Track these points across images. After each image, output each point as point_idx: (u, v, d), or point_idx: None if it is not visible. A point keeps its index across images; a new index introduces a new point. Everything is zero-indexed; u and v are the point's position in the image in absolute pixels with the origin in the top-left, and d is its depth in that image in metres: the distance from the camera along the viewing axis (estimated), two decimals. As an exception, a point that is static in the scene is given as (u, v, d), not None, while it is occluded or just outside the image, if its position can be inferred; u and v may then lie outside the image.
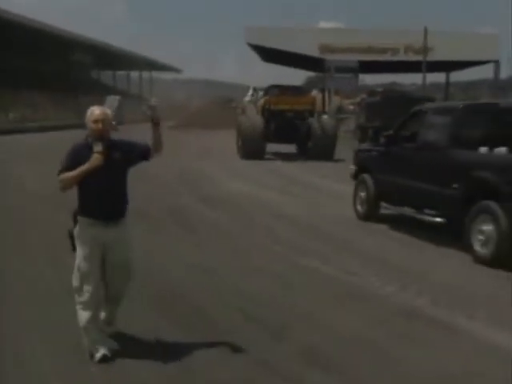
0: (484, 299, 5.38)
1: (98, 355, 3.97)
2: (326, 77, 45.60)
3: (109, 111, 4.23)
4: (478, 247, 6.63)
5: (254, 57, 49.17)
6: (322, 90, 55.13)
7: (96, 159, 3.96)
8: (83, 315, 4.02)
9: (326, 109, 47.21)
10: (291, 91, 22.82)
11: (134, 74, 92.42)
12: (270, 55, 48.90)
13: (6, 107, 41.83)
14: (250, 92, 26.34)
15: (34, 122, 42.04)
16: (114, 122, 4.50)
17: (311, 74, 74.57)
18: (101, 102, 46.45)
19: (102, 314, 4.25)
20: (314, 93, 78.54)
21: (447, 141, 7.38)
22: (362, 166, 9.48)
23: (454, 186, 7.01)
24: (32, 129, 36.60)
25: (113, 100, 49.06)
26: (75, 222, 4.08)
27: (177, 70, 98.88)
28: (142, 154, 4.19)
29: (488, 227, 6.50)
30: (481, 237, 6.58)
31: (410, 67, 41.07)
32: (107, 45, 70.24)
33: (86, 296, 4.01)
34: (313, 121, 20.54)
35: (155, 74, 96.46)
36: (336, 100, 44.85)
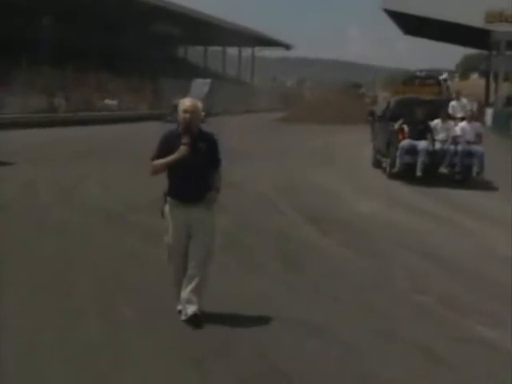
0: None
1: (183, 316, 5.89)
2: (491, 55, 43.83)
3: (199, 103, 5.97)
4: (387, 169, 16.80)
5: (393, 29, 48.37)
6: (486, 74, 53.21)
7: (182, 151, 5.74)
8: (172, 278, 6.12)
9: (491, 98, 45.49)
10: (423, 80, 35.36)
11: (232, 51, 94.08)
12: (415, 26, 47.81)
13: (68, 93, 43.44)
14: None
15: (100, 112, 43.51)
16: (202, 113, 6.04)
17: (470, 51, 72.49)
18: (186, 87, 47.57)
19: (193, 299, 5.88)
20: (474, 77, 77.25)
21: (387, 118, 18.09)
22: (372, 135, 20.92)
23: (386, 140, 16.97)
24: (99, 120, 37.76)
25: (202, 84, 49.90)
26: (165, 200, 5.96)
27: (286, 46, 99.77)
28: (215, 161, 5.95)
29: (387, 160, 16.83)
30: (386, 165, 17.05)
31: None
32: (198, 13, 71.78)
33: (173, 265, 6.06)
34: None
35: (258, 52, 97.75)
36: (506, 87, 43.04)
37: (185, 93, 47.20)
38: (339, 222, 11.22)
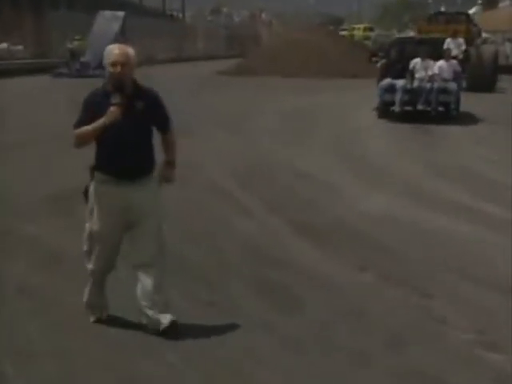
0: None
1: (92, 318, 6.91)
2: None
3: (132, 50, 6.41)
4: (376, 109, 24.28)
5: None
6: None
7: (112, 114, 6.24)
8: (89, 280, 6.86)
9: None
10: (448, 18, 41.42)
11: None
12: None
13: None
14: None
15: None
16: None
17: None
18: (87, 24, 46.73)
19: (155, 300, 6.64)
20: (505, 4, 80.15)
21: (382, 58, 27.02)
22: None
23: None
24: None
25: (111, 19, 49.40)
26: (92, 177, 6.49)
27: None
28: (161, 122, 6.69)
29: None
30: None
31: None
32: None
33: (94, 262, 6.69)
34: (470, 49, 32.04)
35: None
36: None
37: (85, 32, 46.49)
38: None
